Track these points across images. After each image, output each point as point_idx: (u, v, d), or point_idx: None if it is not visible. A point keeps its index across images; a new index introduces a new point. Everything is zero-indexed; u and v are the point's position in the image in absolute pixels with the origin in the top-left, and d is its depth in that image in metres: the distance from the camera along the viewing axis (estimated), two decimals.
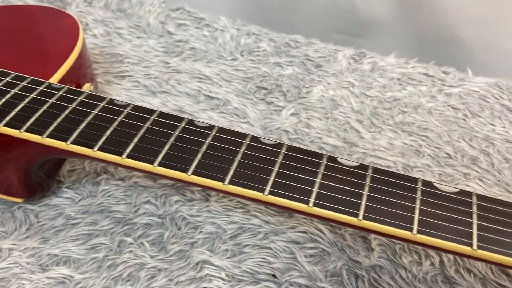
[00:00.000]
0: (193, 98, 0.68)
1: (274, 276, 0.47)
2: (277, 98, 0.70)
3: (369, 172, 0.41)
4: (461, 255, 0.38)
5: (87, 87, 0.61)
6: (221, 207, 0.53)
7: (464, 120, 0.68)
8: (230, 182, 0.40)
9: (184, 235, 0.50)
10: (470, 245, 0.37)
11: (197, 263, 0.48)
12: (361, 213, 0.38)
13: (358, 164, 0.42)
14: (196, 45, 0.80)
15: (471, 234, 0.37)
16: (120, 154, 0.41)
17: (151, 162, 0.41)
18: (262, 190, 0.39)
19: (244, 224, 0.52)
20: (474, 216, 0.39)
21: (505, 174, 0.59)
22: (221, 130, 0.44)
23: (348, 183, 0.40)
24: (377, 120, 0.67)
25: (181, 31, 0.83)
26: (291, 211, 0.41)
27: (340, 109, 0.69)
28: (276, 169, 0.41)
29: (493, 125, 0.67)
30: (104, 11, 0.85)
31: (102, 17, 0.83)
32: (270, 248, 0.49)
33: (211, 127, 0.44)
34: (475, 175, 0.59)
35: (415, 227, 0.37)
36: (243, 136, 0.43)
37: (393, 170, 0.55)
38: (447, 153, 0.62)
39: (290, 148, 0.43)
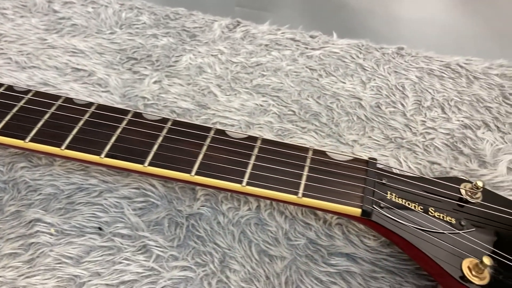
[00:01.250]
0: (60, 71, 0.71)
1: (100, 228, 0.51)
2: (145, 67, 0.73)
3: (258, 143, 0.46)
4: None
5: None
6: (63, 170, 0.56)
7: (318, 79, 0.72)
8: (108, 156, 0.43)
9: (22, 197, 0.54)
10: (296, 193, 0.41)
11: (30, 222, 0.51)
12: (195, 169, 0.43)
13: (247, 136, 0.46)
14: (78, 21, 0.82)
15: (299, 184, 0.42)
16: None
17: (23, 138, 0.44)
18: (142, 162, 0.43)
19: (82, 184, 0.55)
20: (306, 169, 0.44)
21: (341, 127, 0.63)
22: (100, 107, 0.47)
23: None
24: (236, 84, 0.70)
25: (66, 9, 0.85)
26: (171, 179, 0.45)
27: (204, 75, 0.72)
28: (158, 142, 0.45)
29: (343, 82, 0.71)
30: None
31: None
32: (101, 204, 0.53)
33: (89, 104, 0.47)
34: (312, 128, 0.63)
35: (245, 180, 0.42)
36: (125, 112, 0.47)
37: (235, 128, 0.59)
38: (292, 111, 0.66)
39: (176, 122, 0.46)
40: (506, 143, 0.61)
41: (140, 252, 0.49)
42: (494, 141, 0.61)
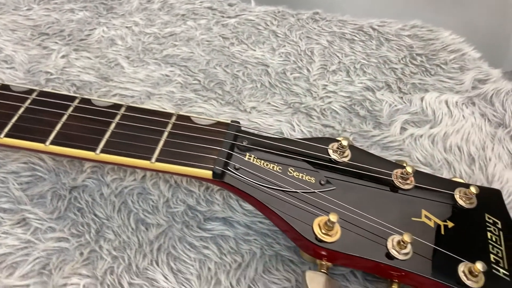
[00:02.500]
0: None
1: None
2: (55, 42, 0.72)
3: (121, 111, 0.45)
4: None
5: None
6: None
7: (229, 48, 0.70)
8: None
9: None
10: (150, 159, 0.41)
11: None
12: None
13: (112, 104, 0.46)
14: None
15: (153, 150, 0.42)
16: None
17: None
18: None
19: None
20: (165, 134, 0.43)
21: (243, 94, 0.63)
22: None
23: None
24: (146, 55, 0.69)
25: None
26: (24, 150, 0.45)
27: (114, 47, 0.71)
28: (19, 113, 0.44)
29: (254, 50, 0.70)
30: None
31: None
32: None
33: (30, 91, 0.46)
34: (213, 97, 0.62)
35: (99, 148, 0.42)
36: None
37: (135, 99, 0.58)
38: (197, 80, 0.65)
39: (42, 93, 0.45)
40: (405, 103, 0.60)
41: (18, 225, 0.49)
42: (393, 102, 0.60)
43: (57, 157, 0.54)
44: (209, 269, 0.45)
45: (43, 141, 0.42)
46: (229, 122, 0.45)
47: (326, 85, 0.63)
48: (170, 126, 0.43)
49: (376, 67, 0.66)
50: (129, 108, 0.45)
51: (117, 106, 0.45)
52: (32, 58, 0.68)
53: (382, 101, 0.60)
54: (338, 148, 0.46)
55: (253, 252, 0.46)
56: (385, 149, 0.55)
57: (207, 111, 0.60)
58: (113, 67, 0.67)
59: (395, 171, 0.46)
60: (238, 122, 0.45)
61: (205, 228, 0.48)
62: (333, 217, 0.39)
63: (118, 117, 0.44)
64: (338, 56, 0.68)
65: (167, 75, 0.66)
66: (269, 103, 0.61)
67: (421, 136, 0.56)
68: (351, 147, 0.47)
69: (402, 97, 0.61)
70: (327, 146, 0.46)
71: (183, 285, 0.44)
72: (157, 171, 0.42)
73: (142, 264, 0.45)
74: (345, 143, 0.45)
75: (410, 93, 0.62)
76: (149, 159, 0.41)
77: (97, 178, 0.53)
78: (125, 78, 0.65)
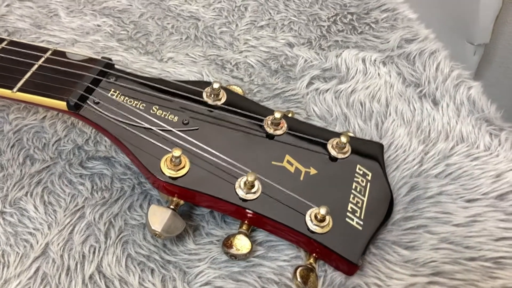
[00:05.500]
0: None
1: None
2: None
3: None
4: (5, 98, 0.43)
5: None
6: None
7: (166, 1, 0.70)
8: None
9: None
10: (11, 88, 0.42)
11: None
12: None
13: None
14: None
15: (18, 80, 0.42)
16: None
17: None
18: None
19: None
20: (35, 66, 0.44)
21: (165, 45, 0.63)
22: None
23: None
24: (85, 7, 0.70)
25: None
26: None
27: None
28: None
29: (190, 4, 0.70)
30: None
31: None
32: None
33: None
34: (134, 46, 0.63)
35: None
36: None
37: (59, 46, 0.59)
38: (126, 30, 0.65)
39: None
40: (321, 59, 0.59)
41: None
42: (309, 58, 0.59)
43: None
44: (77, 203, 0.45)
45: None
46: (99, 58, 0.45)
47: (249, 40, 0.62)
48: (42, 59, 0.44)
49: (305, 24, 0.64)
50: (10, 43, 0.46)
51: (0, 40, 0.46)
52: None
53: (298, 57, 0.59)
54: (211, 91, 0.45)
55: (124, 190, 0.46)
56: (286, 101, 0.54)
57: (124, 59, 0.61)
58: (51, 17, 0.68)
59: (267, 117, 0.45)
60: (110, 59, 0.46)
61: (86, 166, 0.48)
62: (176, 152, 0.39)
63: None
64: (270, 13, 0.66)
65: (98, 25, 0.66)
66: (187, 54, 0.61)
67: (327, 90, 0.55)
68: (230, 92, 0.46)
69: (318, 53, 0.59)
70: (203, 89, 0.46)
71: (50, 216, 0.45)
72: (19, 101, 0.43)
73: (17, 195, 0.46)
74: (216, 86, 0.45)
75: (329, 50, 0.60)
76: (11, 88, 0.42)
77: (2, 116, 0.54)
78: (58, 27, 0.66)
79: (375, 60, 0.58)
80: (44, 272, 0.41)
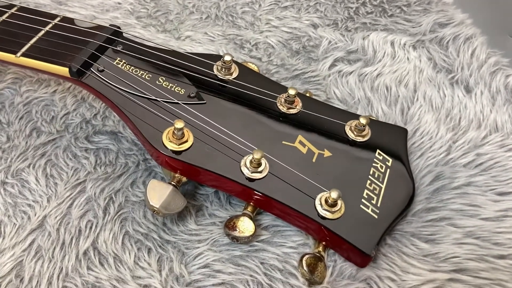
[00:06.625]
0: None
1: None
2: None
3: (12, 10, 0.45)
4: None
5: None
6: None
7: None
8: None
9: None
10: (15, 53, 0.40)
11: None
12: None
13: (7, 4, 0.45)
14: None
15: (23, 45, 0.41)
16: None
17: None
18: None
19: None
20: (42, 32, 0.42)
21: (185, 24, 0.61)
22: None
23: None
24: None
25: None
26: None
27: None
28: None
29: None
30: None
31: None
32: None
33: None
34: (153, 24, 0.61)
35: None
36: None
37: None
38: (146, 8, 0.64)
39: None
40: (346, 41, 0.55)
41: None
42: (333, 39, 0.56)
43: None
44: (78, 177, 0.43)
45: None
46: (107, 26, 0.43)
47: (271, 20, 0.59)
48: (50, 25, 0.42)
49: (332, 5, 0.61)
50: (21, 9, 0.44)
51: (10, 6, 0.44)
52: None
53: (322, 38, 0.56)
54: (222, 65, 0.42)
55: (128, 166, 0.44)
56: (306, 83, 0.51)
57: (141, 36, 0.59)
58: None
59: (281, 94, 0.42)
60: (119, 27, 0.43)
61: (92, 141, 0.47)
62: (178, 124, 0.36)
63: (5, 15, 0.43)
64: None
65: (119, 3, 0.65)
66: (205, 33, 0.58)
67: (350, 73, 0.51)
68: (243, 68, 0.44)
69: (344, 35, 0.56)
70: (214, 63, 0.43)
71: (50, 189, 0.43)
72: (22, 66, 0.41)
73: (20, 166, 0.45)
74: (227, 58, 0.42)
75: (356, 32, 0.56)
76: (15, 53, 0.40)
77: (15, 88, 0.53)
78: (78, 3, 0.65)
79: (404, 44, 0.54)
80: (39, 245, 0.39)
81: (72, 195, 0.42)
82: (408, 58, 0.52)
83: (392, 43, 0.54)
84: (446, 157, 0.42)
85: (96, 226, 0.40)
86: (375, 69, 0.51)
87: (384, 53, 0.53)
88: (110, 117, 0.49)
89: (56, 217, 0.41)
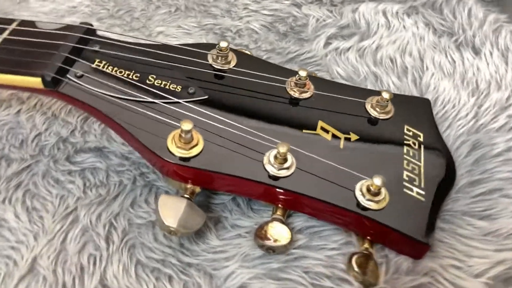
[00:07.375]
0: None
1: None
2: None
3: None
4: None
5: None
6: None
7: None
8: None
9: None
10: None
11: None
12: None
13: None
14: None
15: None
16: None
17: None
18: None
19: None
20: None
21: (153, 20, 0.55)
22: None
23: None
24: None
25: None
26: None
27: None
28: None
29: None
30: None
31: None
32: None
33: None
34: (117, 24, 0.54)
35: None
36: None
37: None
38: (106, 9, 0.58)
39: None
40: (335, 16, 0.51)
41: None
42: (321, 16, 0.51)
43: None
44: (67, 205, 0.37)
45: None
46: (77, 24, 0.36)
47: (248, 4, 0.54)
48: (7, 32, 0.35)
49: None
50: None
51: None
52: None
53: (309, 16, 0.51)
54: (218, 53, 0.37)
55: (123, 184, 0.38)
56: (303, 66, 0.46)
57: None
58: (19, 3, 0.60)
59: (290, 78, 0.36)
60: (91, 25, 0.37)
61: (75, 161, 0.40)
62: (186, 125, 0.30)
63: None
64: None
65: (74, 7, 0.58)
66: (179, 26, 0.52)
67: (348, 49, 0.47)
68: (240, 54, 0.38)
69: (332, 11, 0.51)
70: (208, 52, 0.37)
71: (36, 224, 0.36)
72: None
73: None
74: (223, 44, 0.36)
75: (343, 6, 0.52)
76: None
77: None
78: (27, 12, 0.58)
79: (397, 12, 0.50)
80: None
81: (64, 228, 0.36)
82: (404, 27, 0.49)
83: (384, 13, 0.50)
84: (476, 124, 0.38)
85: (100, 260, 0.33)
86: (373, 42, 0.47)
87: (378, 24, 0.49)
88: (90, 132, 0.42)
89: (49, 257, 0.34)
